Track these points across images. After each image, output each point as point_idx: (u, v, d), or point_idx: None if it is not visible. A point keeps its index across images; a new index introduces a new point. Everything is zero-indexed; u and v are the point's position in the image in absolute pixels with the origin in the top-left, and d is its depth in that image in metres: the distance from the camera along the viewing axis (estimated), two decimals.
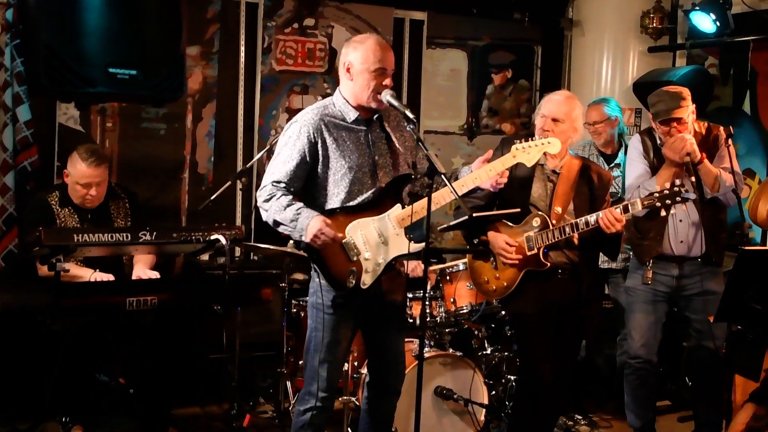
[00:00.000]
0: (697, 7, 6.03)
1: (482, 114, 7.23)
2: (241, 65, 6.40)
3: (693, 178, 4.61)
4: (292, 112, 6.44)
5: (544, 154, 4.29)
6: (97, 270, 4.76)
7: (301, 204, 3.87)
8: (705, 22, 6.05)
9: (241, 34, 6.38)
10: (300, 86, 6.54)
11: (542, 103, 4.45)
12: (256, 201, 4.13)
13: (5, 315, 4.25)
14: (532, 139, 4.10)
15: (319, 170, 3.91)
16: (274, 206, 3.86)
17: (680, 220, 4.53)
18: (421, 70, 6.99)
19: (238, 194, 6.29)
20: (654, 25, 6.64)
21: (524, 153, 4.05)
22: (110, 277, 4.76)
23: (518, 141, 4.08)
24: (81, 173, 4.76)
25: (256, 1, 6.38)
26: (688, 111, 4.71)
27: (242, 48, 6.39)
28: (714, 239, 4.81)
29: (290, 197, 3.87)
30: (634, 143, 5.00)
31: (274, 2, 6.39)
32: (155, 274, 4.91)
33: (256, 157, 5.99)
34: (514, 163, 4.05)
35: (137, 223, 4.95)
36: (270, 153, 6.14)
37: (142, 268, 4.94)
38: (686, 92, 4.76)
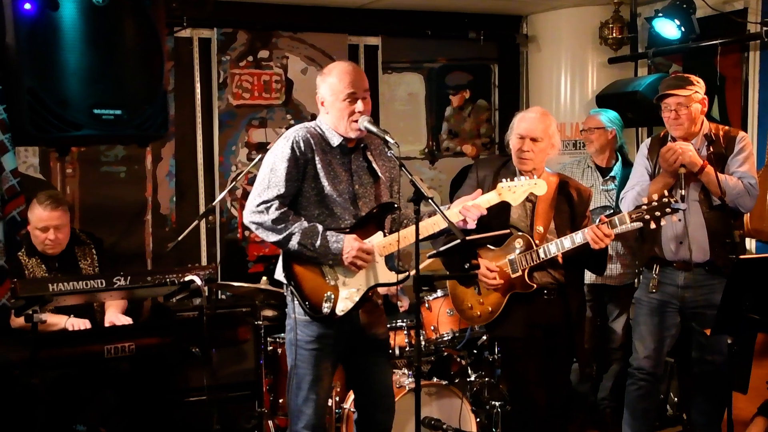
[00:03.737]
0: (661, 14, 5.89)
1: (442, 137, 7.17)
2: (198, 102, 6.29)
3: (683, 191, 4.43)
4: (252, 147, 6.38)
5: (522, 175, 4.22)
6: (72, 315, 4.71)
7: (320, 226, 3.78)
8: (669, 29, 5.90)
9: (195, 70, 6.28)
10: (258, 119, 6.43)
11: (516, 123, 4.32)
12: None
13: None
14: (518, 179, 4.06)
15: (303, 188, 3.82)
16: (295, 231, 3.72)
17: (679, 220, 4.40)
18: (379, 95, 6.87)
19: (202, 233, 6.20)
20: (614, 35, 6.55)
21: (510, 192, 4.01)
22: (86, 323, 4.71)
23: (505, 180, 4.04)
24: (38, 217, 4.76)
25: (209, 36, 6.28)
26: (690, 94, 4.52)
27: (198, 84, 6.28)
28: (719, 245, 4.57)
29: (303, 220, 3.77)
30: (642, 147, 4.89)
31: (227, 36, 6.29)
32: (128, 320, 4.88)
33: (220, 196, 5.89)
34: (498, 201, 4.00)
35: (105, 269, 4.91)
36: (233, 190, 6.11)
37: (115, 314, 4.89)
38: (696, 79, 4.60)
